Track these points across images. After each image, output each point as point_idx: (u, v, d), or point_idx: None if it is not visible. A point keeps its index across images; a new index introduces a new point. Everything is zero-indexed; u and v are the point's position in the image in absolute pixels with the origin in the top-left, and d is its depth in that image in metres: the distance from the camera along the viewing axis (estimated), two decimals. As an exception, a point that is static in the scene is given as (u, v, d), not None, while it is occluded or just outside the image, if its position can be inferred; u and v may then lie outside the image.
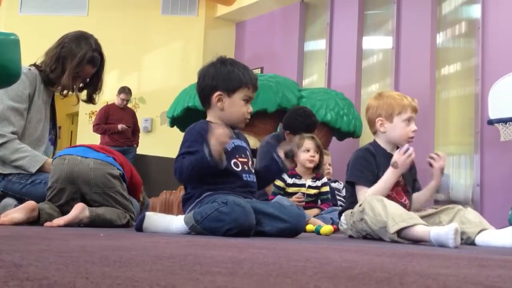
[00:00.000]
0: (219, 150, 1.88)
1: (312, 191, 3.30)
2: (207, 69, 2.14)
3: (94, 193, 2.27)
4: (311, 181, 3.30)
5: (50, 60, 2.58)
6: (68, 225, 2.10)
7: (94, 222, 2.18)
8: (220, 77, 2.09)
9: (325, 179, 3.37)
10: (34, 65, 2.62)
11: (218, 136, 1.87)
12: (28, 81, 2.51)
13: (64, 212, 2.24)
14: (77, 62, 2.57)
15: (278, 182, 3.26)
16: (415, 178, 2.42)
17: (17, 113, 2.49)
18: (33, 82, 2.55)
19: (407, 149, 2.17)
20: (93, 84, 2.74)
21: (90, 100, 2.76)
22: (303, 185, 3.28)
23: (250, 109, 2.14)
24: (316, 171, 3.36)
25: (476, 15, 5.37)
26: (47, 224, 2.10)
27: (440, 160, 2.27)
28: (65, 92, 2.66)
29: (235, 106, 2.09)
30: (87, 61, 2.61)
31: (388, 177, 2.17)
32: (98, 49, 2.67)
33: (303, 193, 3.27)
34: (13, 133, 2.46)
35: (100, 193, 2.28)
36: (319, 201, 3.37)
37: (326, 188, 3.35)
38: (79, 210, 2.15)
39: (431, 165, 2.29)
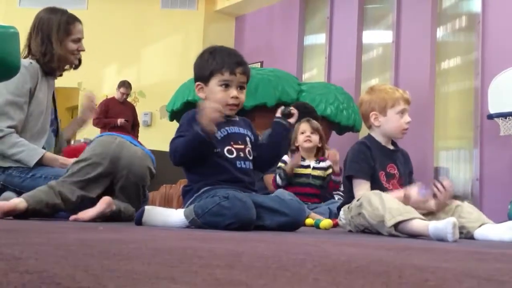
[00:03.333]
0: (208, 123, 1.89)
1: (318, 172, 3.31)
2: (194, 62, 2.18)
3: (127, 181, 2.26)
4: (315, 163, 3.33)
5: (37, 46, 2.57)
6: (92, 219, 2.07)
7: (113, 216, 2.17)
8: (197, 67, 2.13)
9: (328, 162, 3.37)
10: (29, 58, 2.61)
11: (206, 111, 1.89)
12: (29, 75, 2.50)
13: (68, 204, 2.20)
14: (57, 27, 2.58)
15: (280, 165, 3.27)
16: (411, 171, 2.42)
17: (17, 107, 2.48)
18: (35, 76, 2.54)
19: (424, 193, 2.10)
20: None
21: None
22: (308, 166, 3.30)
23: (233, 93, 2.08)
24: (319, 154, 3.39)
25: (476, 9, 5.36)
26: (72, 217, 2.06)
27: (445, 194, 2.11)
28: (67, 66, 2.66)
29: (213, 93, 2.09)
30: (72, 20, 2.64)
31: (395, 196, 2.13)
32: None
33: (309, 175, 3.28)
34: (11, 127, 2.46)
35: (132, 184, 2.28)
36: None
37: (330, 170, 3.36)
38: (105, 205, 2.12)
39: (435, 194, 2.14)
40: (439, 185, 2.10)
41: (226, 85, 2.08)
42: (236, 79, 2.09)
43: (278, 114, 2.17)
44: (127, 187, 2.28)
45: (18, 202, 2.00)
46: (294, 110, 2.15)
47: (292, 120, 2.16)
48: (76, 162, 2.26)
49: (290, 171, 3.21)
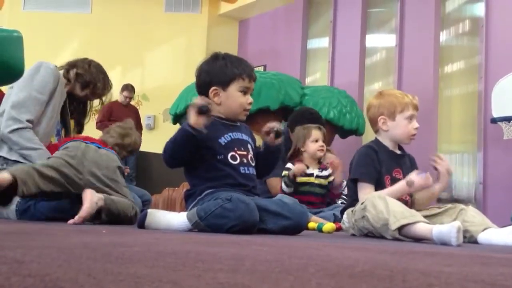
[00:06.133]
0: (197, 116, 1.90)
1: (320, 181, 3.32)
2: (201, 67, 2.17)
3: (102, 177, 2.32)
4: (318, 171, 3.33)
5: (95, 70, 2.80)
6: (88, 215, 2.08)
7: (110, 208, 2.20)
8: (213, 72, 2.11)
9: (329, 170, 3.39)
10: (72, 66, 2.78)
11: (194, 104, 1.90)
12: (52, 77, 2.63)
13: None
14: (105, 78, 2.85)
15: (285, 173, 3.27)
16: None
17: (37, 103, 2.58)
18: (56, 79, 2.66)
19: (425, 176, 2.11)
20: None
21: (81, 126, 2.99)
22: (311, 175, 3.31)
23: (250, 99, 2.13)
24: (321, 161, 3.41)
25: (480, 13, 5.36)
26: (70, 221, 2.07)
27: (443, 162, 2.22)
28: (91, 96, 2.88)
29: (232, 98, 2.10)
30: (102, 95, 2.89)
31: (397, 190, 2.14)
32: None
33: (312, 183, 3.29)
34: (29, 121, 2.54)
35: (106, 179, 2.34)
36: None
37: (332, 178, 3.38)
38: (89, 194, 2.14)
39: (435, 168, 2.25)
40: (435, 158, 2.19)
41: (245, 92, 2.11)
42: (252, 86, 2.14)
43: (266, 136, 2.13)
44: (103, 185, 2.33)
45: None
46: (280, 129, 2.13)
47: (279, 141, 2.15)
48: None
49: (292, 176, 3.20)
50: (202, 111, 1.91)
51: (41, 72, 2.60)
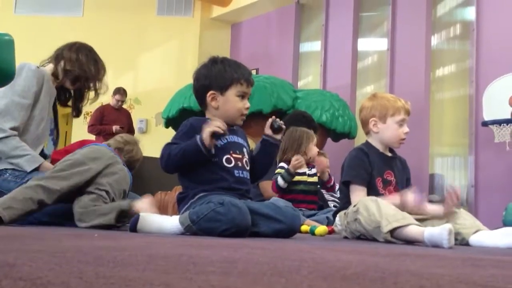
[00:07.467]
0: (210, 137, 1.93)
1: (312, 179, 3.36)
2: (200, 70, 2.16)
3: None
4: (308, 170, 3.38)
5: (85, 59, 2.74)
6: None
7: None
8: (211, 76, 2.11)
9: (315, 169, 3.47)
10: (59, 59, 2.69)
11: (214, 125, 1.93)
12: (35, 78, 2.55)
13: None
14: (104, 69, 2.84)
15: (279, 170, 3.29)
16: (408, 177, 2.43)
17: (21, 108, 2.52)
18: (40, 80, 2.58)
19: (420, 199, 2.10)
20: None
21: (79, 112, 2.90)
22: (304, 174, 3.34)
23: (247, 104, 2.14)
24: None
25: (471, 17, 5.40)
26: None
27: (454, 199, 2.10)
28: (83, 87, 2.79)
29: (230, 103, 2.10)
30: (96, 87, 2.82)
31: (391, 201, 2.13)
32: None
33: (306, 181, 3.33)
34: (14, 128, 2.49)
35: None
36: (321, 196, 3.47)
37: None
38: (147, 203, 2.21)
39: (445, 199, 2.15)
40: (451, 191, 2.11)
41: (243, 96, 2.12)
42: (250, 90, 2.15)
43: (268, 129, 2.16)
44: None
45: None
46: (282, 124, 2.16)
47: (279, 137, 2.17)
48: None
49: (294, 168, 3.20)
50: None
51: (23, 75, 2.51)
